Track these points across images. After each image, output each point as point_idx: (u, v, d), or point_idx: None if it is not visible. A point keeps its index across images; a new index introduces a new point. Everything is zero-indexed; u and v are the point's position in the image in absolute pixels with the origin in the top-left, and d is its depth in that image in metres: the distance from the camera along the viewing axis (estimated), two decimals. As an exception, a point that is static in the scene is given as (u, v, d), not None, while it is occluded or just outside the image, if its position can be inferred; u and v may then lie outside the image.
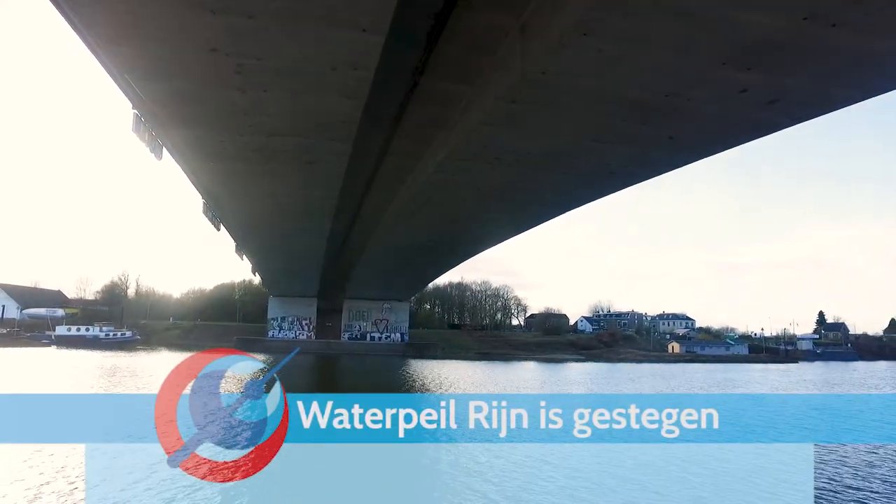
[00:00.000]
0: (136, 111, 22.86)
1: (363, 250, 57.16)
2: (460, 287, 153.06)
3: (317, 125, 22.65)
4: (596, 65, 15.24)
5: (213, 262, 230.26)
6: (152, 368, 50.07)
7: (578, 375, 62.93)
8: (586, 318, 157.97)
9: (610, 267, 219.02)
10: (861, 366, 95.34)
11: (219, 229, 47.72)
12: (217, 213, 42.92)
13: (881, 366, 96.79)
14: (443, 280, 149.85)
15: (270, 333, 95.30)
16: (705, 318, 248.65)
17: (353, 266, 67.62)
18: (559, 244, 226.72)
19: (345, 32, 14.32)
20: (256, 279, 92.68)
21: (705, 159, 24.36)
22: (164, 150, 27.14)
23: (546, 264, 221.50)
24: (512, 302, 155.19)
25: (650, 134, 21.09)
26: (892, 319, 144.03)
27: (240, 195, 36.82)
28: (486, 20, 17.45)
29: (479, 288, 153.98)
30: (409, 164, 31.37)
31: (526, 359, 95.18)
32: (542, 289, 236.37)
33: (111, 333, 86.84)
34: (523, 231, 45.84)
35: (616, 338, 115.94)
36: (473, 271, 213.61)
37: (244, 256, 68.28)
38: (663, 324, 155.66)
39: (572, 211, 37.20)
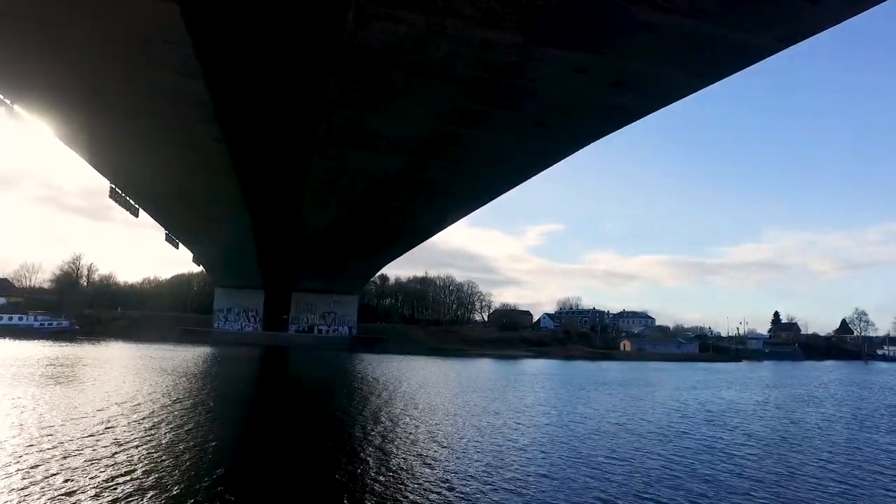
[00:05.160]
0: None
1: (296, 239, 55.92)
2: (424, 282, 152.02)
3: (172, 106, 21.51)
4: (413, 39, 14.50)
5: (171, 252, 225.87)
6: (53, 359, 48.24)
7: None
8: (548, 315, 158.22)
9: (585, 266, 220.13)
10: (804, 365, 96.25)
11: (137, 216, 46.21)
12: (130, 197, 41.53)
13: (826, 364, 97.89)
14: (406, 274, 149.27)
15: (216, 325, 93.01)
16: (669, 316, 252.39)
17: (292, 256, 66.32)
18: (535, 243, 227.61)
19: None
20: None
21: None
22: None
23: (523, 263, 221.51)
24: (475, 298, 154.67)
25: (517, 119, 20.42)
26: (843, 320, 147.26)
27: (137, 180, 35.55)
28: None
29: (442, 283, 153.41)
30: (307, 152, 30.36)
31: (479, 355, 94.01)
32: (520, 286, 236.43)
33: (46, 323, 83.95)
34: (447, 225, 45.06)
35: (570, 335, 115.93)
36: (443, 267, 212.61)
37: (179, 245, 66.71)
38: (623, 322, 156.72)
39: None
